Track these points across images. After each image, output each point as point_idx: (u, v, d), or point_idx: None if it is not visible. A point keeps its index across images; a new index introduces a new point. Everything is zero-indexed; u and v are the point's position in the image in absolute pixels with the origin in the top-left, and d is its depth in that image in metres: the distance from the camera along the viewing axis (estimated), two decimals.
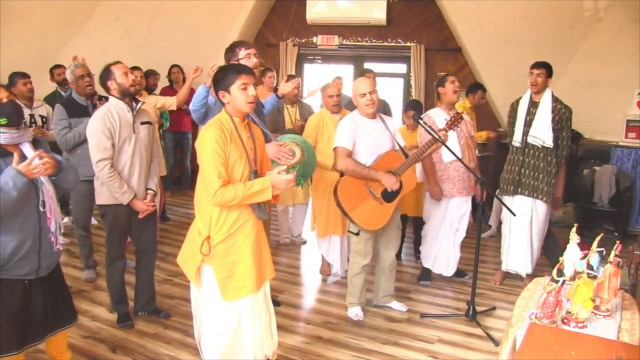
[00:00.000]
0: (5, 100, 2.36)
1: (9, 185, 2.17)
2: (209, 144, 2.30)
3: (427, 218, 4.28)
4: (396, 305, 3.91)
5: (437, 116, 4.03)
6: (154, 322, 3.58)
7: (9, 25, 6.00)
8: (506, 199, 4.14)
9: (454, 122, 3.70)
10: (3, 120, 2.30)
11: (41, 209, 2.36)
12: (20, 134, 2.37)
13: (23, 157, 2.31)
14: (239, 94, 2.37)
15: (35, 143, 2.47)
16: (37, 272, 2.41)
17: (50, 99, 5.40)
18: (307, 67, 8.09)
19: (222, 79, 2.41)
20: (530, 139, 4.02)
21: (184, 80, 6.73)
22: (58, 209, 2.50)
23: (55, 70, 5.61)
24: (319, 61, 8.04)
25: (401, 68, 7.69)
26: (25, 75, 4.65)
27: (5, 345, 2.33)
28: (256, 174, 2.45)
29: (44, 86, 5.99)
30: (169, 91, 6.52)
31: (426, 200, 4.24)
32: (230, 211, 2.39)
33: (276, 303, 3.91)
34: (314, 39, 7.60)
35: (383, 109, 5.13)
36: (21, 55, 6.16)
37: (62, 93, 5.46)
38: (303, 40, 7.66)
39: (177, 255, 2.64)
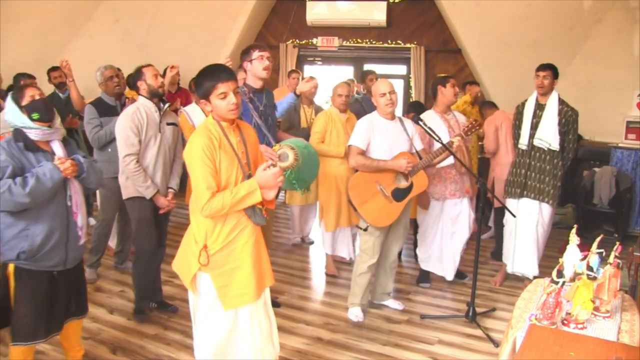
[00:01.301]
0: (37, 97, 2.51)
1: (46, 176, 2.38)
2: (197, 155, 2.22)
3: (420, 221, 4.28)
4: (392, 303, 3.92)
5: (432, 120, 3.93)
6: (154, 323, 3.58)
7: (9, 26, 6.01)
8: (512, 202, 4.13)
9: (471, 129, 3.69)
10: (35, 115, 2.46)
11: (68, 203, 2.53)
12: (51, 131, 2.52)
13: (53, 154, 2.51)
14: (219, 103, 2.27)
15: (65, 142, 2.63)
16: (65, 264, 2.57)
17: (49, 101, 5.39)
18: (307, 69, 8.10)
19: (200, 87, 2.29)
20: (536, 142, 4.00)
21: (179, 82, 6.71)
22: (84, 205, 2.64)
23: (52, 72, 5.57)
24: (319, 63, 8.05)
25: (401, 69, 7.71)
26: (30, 77, 4.76)
27: (34, 334, 2.50)
28: (250, 178, 2.36)
29: (43, 87, 5.97)
30: None
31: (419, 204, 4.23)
32: (226, 219, 2.32)
33: (276, 304, 3.91)
34: (314, 41, 7.62)
35: (361, 106, 5.19)
36: (21, 56, 6.17)
37: (60, 95, 5.45)
38: (303, 42, 7.67)
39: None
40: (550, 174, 4.00)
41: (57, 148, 2.54)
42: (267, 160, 3.15)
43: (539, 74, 3.98)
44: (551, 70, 3.97)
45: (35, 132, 2.46)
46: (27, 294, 2.48)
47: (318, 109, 5.20)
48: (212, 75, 2.28)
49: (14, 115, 2.47)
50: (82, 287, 2.79)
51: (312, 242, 5.47)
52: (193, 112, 4.70)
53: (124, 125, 3.32)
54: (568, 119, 3.95)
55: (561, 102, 3.99)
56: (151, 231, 3.52)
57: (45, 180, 2.37)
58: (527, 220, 4.05)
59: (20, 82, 4.60)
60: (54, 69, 5.58)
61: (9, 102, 2.49)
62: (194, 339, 2.54)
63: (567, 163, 4.10)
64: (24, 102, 2.47)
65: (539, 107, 4.02)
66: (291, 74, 5.88)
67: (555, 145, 3.94)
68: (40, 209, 2.43)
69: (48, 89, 5.78)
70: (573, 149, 4.08)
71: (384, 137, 3.55)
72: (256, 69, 3.39)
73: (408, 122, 3.72)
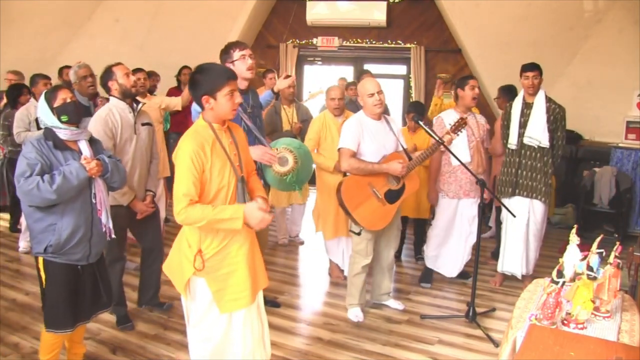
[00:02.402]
0: (69, 100, 2.61)
1: (72, 174, 2.51)
2: (184, 161, 2.17)
3: (435, 219, 4.28)
4: (393, 303, 3.92)
5: (450, 118, 4.02)
6: (154, 323, 3.59)
7: (9, 26, 6.01)
8: (504, 201, 4.14)
9: (458, 127, 3.70)
10: (64, 117, 2.59)
11: (93, 200, 2.66)
12: (78, 132, 2.65)
13: (80, 153, 2.63)
14: (224, 102, 2.23)
15: (92, 142, 2.74)
16: (88, 259, 2.71)
17: None
18: (307, 69, 8.10)
19: (207, 82, 2.22)
20: (526, 140, 4.03)
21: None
22: (108, 202, 2.75)
23: (65, 70, 5.64)
24: (319, 63, 8.05)
25: (401, 69, 7.70)
26: (46, 77, 4.82)
27: (64, 323, 2.67)
28: (243, 181, 2.34)
29: (44, 87, 5.99)
30: (176, 92, 6.47)
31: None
32: None
33: (276, 304, 3.91)
34: (314, 41, 7.61)
35: (356, 108, 5.18)
36: (21, 56, 6.18)
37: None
38: (303, 42, 7.67)
39: None
40: (541, 171, 4.02)
41: (84, 147, 2.66)
42: (266, 162, 3.14)
43: (528, 75, 3.99)
44: (538, 70, 3.98)
45: (64, 132, 2.60)
46: (56, 286, 2.65)
47: (300, 107, 5.15)
48: (221, 72, 2.26)
49: (44, 115, 2.60)
50: (106, 280, 2.92)
51: (302, 242, 5.46)
52: None
53: (97, 129, 3.14)
54: (556, 116, 3.98)
55: (548, 99, 4.01)
56: (123, 239, 3.46)
57: (71, 178, 2.50)
58: (517, 219, 4.05)
59: (37, 81, 4.75)
60: (67, 67, 5.61)
61: (42, 102, 2.61)
62: (189, 341, 2.53)
63: (556, 160, 4.12)
64: (56, 104, 2.59)
65: (527, 106, 4.05)
66: (267, 74, 5.71)
67: (545, 142, 3.96)
68: (67, 206, 2.57)
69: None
70: (562, 146, 4.10)
71: (373, 138, 3.52)
72: (240, 69, 3.12)
73: (392, 121, 3.70)
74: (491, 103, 6.84)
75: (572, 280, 2.31)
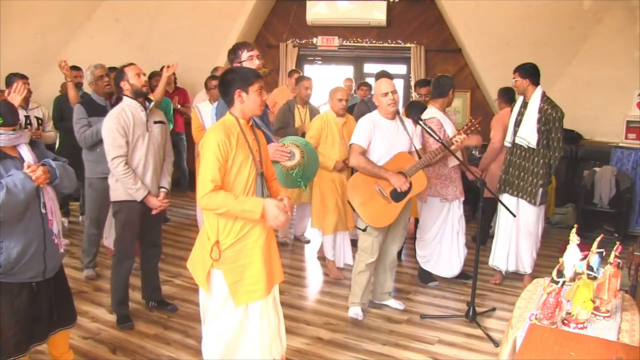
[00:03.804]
0: None
1: (17, 187, 2.20)
2: (211, 148, 2.31)
3: (424, 220, 4.27)
4: (394, 303, 3.92)
5: (442, 119, 4.04)
6: (154, 323, 3.58)
7: (9, 26, 6.01)
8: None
9: (470, 127, 3.71)
10: None
11: (42, 210, 2.37)
12: (17, 135, 2.35)
13: (21, 159, 2.32)
14: (254, 97, 2.40)
15: (33, 145, 2.46)
16: (44, 274, 2.42)
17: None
18: (307, 68, 8.09)
19: (240, 78, 2.40)
20: (517, 140, 4.04)
21: (176, 81, 6.72)
22: (59, 211, 2.50)
23: (72, 72, 5.56)
24: (319, 62, 8.05)
25: (401, 69, 7.70)
26: (23, 77, 4.63)
27: (16, 348, 2.35)
28: (262, 176, 2.45)
29: (44, 86, 6.00)
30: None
31: (424, 203, 4.22)
32: None
33: None
34: (314, 40, 7.62)
35: (367, 108, 5.23)
36: (21, 56, 6.17)
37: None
38: (303, 42, 7.67)
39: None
40: (529, 171, 4.01)
41: (26, 153, 2.36)
42: (277, 160, 3.18)
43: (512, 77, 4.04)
44: (519, 71, 3.98)
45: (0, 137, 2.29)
46: (7, 309, 2.33)
47: (312, 110, 5.18)
48: (250, 71, 2.49)
49: None
50: (65, 296, 2.64)
51: (308, 241, 5.47)
52: (205, 110, 4.60)
53: (110, 127, 3.26)
54: (548, 117, 3.91)
55: (544, 100, 3.95)
56: (134, 236, 3.50)
57: (16, 192, 2.19)
58: (505, 216, 4.07)
59: (14, 81, 4.57)
60: (75, 68, 5.54)
61: None
62: (203, 338, 2.57)
63: (554, 163, 4.03)
64: None
65: (524, 106, 4.06)
66: (292, 74, 5.83)
67: (533, 143, 3.95)
68: (13, 221, 2.27)
69: (49, 88, 5.80)
70: (558, 148, 3.99)
71: (385, 137, 3.56)
72: None
73: (408, 122, 3.72)
74: (490, 103, 6.85)
75: (572, 280, 2.31)
